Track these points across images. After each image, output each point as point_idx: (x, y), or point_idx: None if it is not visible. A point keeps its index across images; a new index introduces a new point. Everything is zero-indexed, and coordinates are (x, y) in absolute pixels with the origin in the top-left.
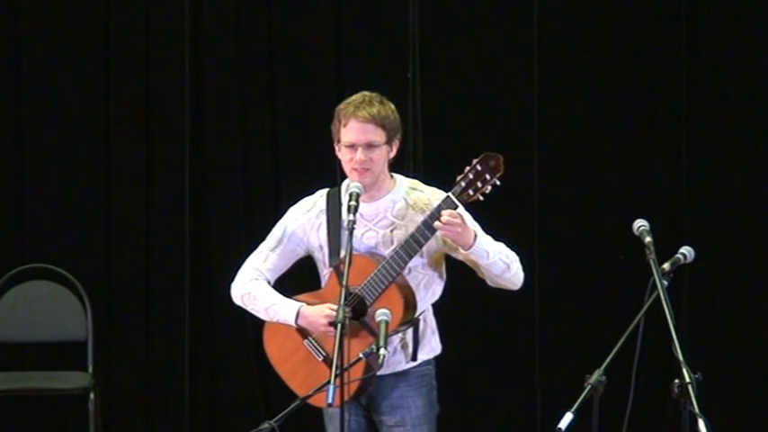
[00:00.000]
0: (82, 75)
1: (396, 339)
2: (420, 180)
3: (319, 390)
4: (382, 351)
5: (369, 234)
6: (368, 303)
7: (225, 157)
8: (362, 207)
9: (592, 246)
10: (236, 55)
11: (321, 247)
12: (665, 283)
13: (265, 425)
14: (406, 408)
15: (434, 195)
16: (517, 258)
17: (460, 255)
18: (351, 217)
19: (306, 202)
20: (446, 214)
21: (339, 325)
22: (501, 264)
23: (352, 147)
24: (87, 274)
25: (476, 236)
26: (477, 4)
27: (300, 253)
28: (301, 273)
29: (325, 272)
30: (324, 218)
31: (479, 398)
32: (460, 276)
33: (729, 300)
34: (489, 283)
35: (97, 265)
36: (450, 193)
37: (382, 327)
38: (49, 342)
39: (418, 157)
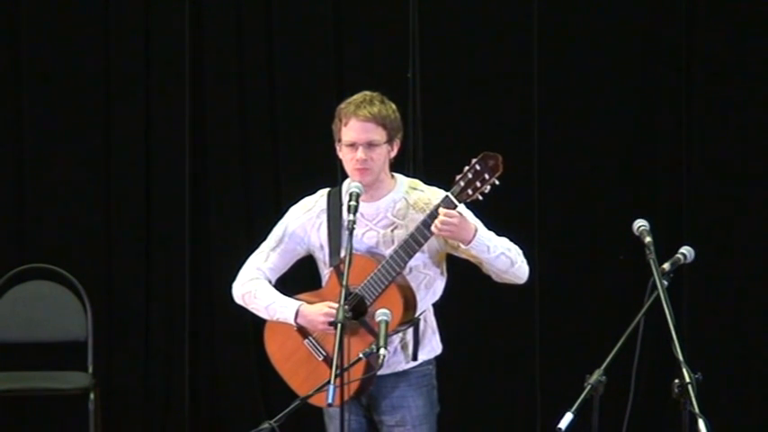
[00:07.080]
0: (82, 75)
1: (396, 339)
2: (420, 180)
3: (319, 390)
4: (382, 351)
5: (369, 234)
6: (368, 303)
7: (225, 156)
8: (363, 207)
9: (592, 246)
10: (236, 54)
11: (322, 246)
12: (665, 283)
13: (265, 425)
14: (406, 407)
15: (435, 195)
16: (520, 252)
17: (462, 252)
18: (351, 217)
19: (306, 202)
20: (441, 214)
21: (339, 325)
22: (504, 258)
23: (353, 146)
24: (87, 274)
25: (476, 230)
26: (477, 3)
27: (301, 252)
28: (302, 273)
29: (325, 271)
30: (324, 217)
31: (479, 398)
32: (461, 276)
33: (729, 300)
34: (495, 278)
35: (97, 265)
36: (449, 193)
37: (382, 327)
38: (49, 342)
39: (418, 157)
